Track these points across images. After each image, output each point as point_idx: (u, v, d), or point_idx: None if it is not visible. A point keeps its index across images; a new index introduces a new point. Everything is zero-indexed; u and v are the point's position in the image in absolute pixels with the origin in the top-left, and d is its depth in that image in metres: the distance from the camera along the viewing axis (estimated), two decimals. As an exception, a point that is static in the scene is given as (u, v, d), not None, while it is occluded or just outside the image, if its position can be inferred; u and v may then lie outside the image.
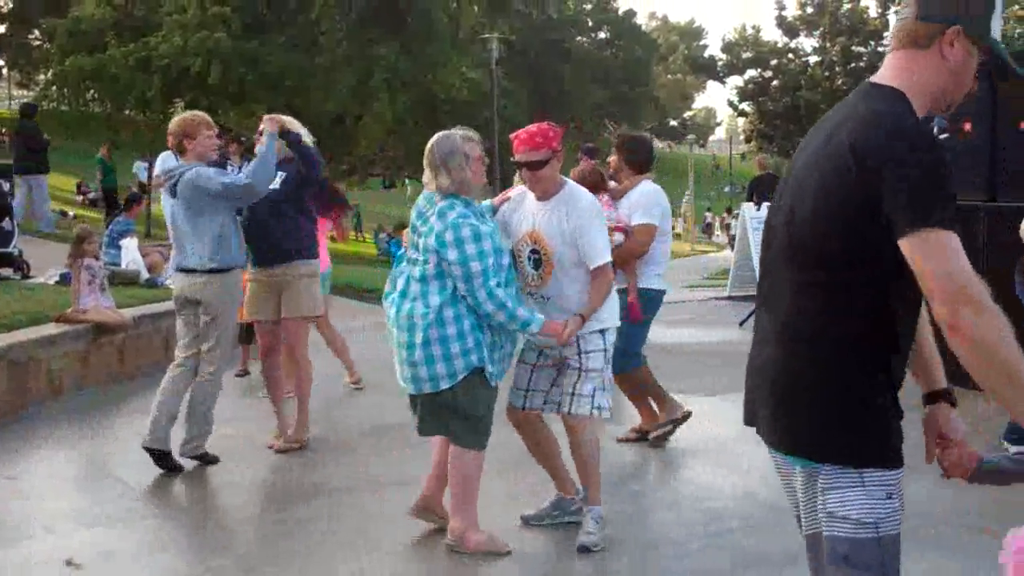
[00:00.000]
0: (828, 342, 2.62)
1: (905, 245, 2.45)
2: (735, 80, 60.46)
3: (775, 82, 55.31)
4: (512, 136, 5.37)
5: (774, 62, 56.17)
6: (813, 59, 55.28)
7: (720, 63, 64.49)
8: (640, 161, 7.36)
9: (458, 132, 5.31)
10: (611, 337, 5.51)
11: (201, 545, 5.62)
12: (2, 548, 5.46)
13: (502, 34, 32.95)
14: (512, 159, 5.36)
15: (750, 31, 62.39)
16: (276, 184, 7.06)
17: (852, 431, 2.61)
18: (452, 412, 5.15)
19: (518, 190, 5.57)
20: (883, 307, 2.59)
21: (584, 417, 5.39)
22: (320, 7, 27.67)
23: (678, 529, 5.70)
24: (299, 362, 7.57)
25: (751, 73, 58.27)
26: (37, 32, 51.65)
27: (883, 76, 2.74)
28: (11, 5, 53.44)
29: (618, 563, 5.25)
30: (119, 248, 12.78)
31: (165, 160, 8.62)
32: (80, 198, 31.53)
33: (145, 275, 12.44)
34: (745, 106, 56.13)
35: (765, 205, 16.55)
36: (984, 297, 2.40)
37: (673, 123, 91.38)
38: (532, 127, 5.35)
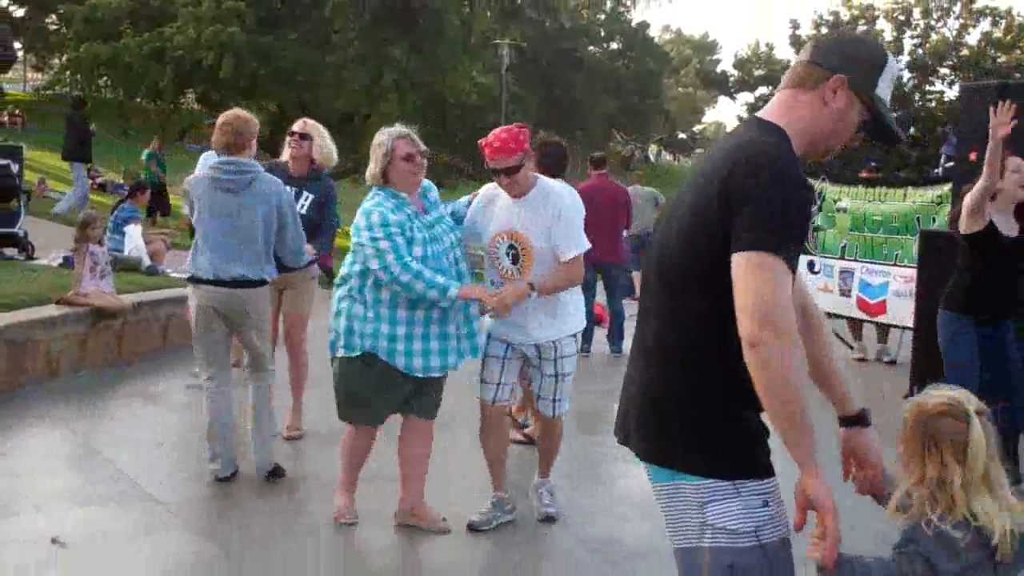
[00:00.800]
0: (697, 363, 2.70)
1: (734, 260, 2.55)
2: (746, 96, 60.47)
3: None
4: (481, 143, 5.49)
5: (785, 80, 56.18)
6: (825, 80, 55.26)
7: (732, 79, 64.56)
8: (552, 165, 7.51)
9: (394, 128, 5.56)
10: (579, 343, 5.93)
11: (189, 529, 5.69)
12: (-9, 522, 5.55)
13: (513, 40, 33.04)
14: (486, 165, 5.49)
15: (763, 48, 62.30)
16: (304, 209, 7.23)
17: (725, 448, 2.69)
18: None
19: (486, 189, 5.77)
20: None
21: (564, 414, 5.94)
22: (334, 5, 27.76)
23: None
24: (299, 355, 7.71)
25: (762, 90, 58.22)
26: (54, 17, 51.87)
27: (768, 112, 2.86)
28: (29, -11, 53.68)
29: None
30: (123, 234, 12.87)
31: (208, 159, 8.76)
32: (90, 182, 31.58)
33: (147, 262, 12.53)
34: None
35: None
36: (789, 327, 2.49)
37: (682, 136, 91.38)
38: (500, 132, 5.49)
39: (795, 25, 55.83)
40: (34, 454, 6.97)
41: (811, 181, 12.37)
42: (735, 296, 2.54)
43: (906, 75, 54.61)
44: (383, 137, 5.51)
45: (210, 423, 6.43)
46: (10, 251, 13.62)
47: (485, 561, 5.50)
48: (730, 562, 2.66)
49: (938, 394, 2.84)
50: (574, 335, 5.78)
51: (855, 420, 2.97)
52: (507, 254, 5.55)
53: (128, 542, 5.46)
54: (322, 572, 5.23)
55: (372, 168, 5.50)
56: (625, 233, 12.06)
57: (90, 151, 21.30)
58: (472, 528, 5.76)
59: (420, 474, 5.81)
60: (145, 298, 10.50)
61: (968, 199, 6.71)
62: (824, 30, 55.62)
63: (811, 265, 12.20)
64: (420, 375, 5.46)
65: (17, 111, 33.41)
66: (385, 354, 5.41)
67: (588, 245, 5.59)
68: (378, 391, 5.53)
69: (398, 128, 5.58)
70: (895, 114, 2.90)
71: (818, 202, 12.16)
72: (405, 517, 5.79)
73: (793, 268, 2.58)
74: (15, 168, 15.44)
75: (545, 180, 5.64)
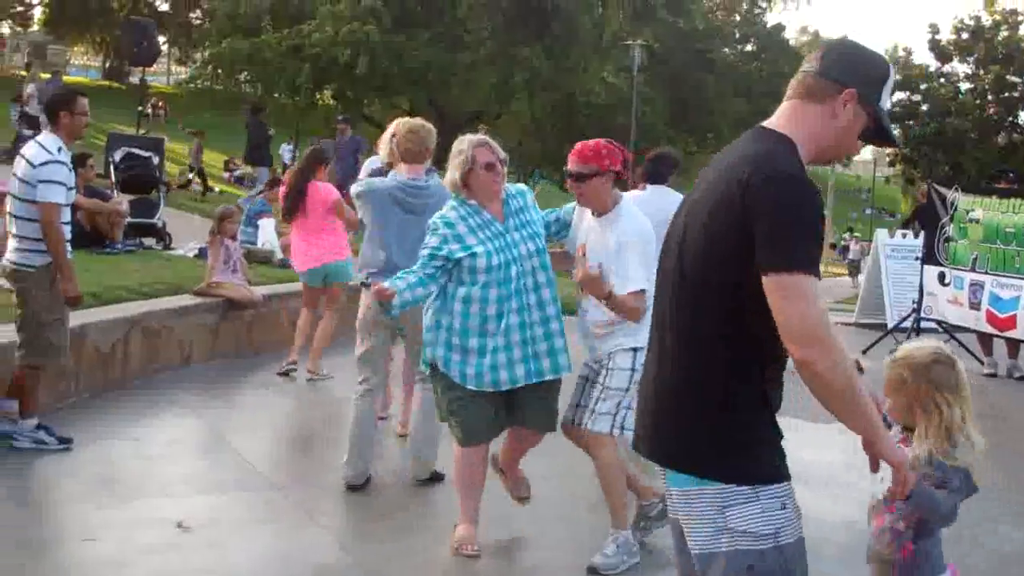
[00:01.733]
0: (717, 372, 2.76)
1: (766, 284, 2.63)
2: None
3: (924, 106, 53.91)
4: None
5: (924, 86, 54.71)
6: (964, 86, 53.67)
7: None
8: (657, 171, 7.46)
9: (474, 136, 5.51)
10: (641, 358, 5.03)
11: (304, 519, 5.84)
12: (121, 504, 5.79)
13: (645, 42, 32.86)
14: (565, 168, 5.42)
15: (901, 53, 60.77)
16: None
17: (745, 454, 2.77)
18: None
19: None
20: (766, 339, 2.70)
21: (602, 435, 5.23)
22: (468, 6, 28.04)
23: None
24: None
25: (899, 96, 56.87)
26: (198, 12, 53.47)
27: (774, 123, 2.91)
28: (175, -16, 55.40)
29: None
30: (256, 227, 13.21)
31: (372, 163, 9.08)
32: (227, 175, 32.48)
33: (279, 255, 12.84)
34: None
35: (908, 234, 16.29)
36: (831, 338, 2.61)
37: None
38: (591, 142, 5.33)
39: (935, 30, 54.32)
40: (164, 440, 7.23)
41: (944, 191, 12.10)
42: (776, 319, 2.62)
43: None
44: (463, 145, 5.41)
45: (352, 427, 6.35)
46: (148, 241, 14.12)
47: None
48: (750, 564, 2.74)
49: (922, 346, 3.36)
50: (634, 349, 5.19)
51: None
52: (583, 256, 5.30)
53: (249, 529, 5.64)
54: (439, 572, 5.30)
55: (451, 175, 5.40)
56: None
57: (269, 154, 22.65)
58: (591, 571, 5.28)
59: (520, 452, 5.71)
60: (274, 291, 10.78)
61: None
62: (965, 35, 54.06)
63: (942, 276, 11.93)
64: (472, 387, 5.29)
65: (160, 102, 34.51)
66: (442, 364, 5.35)
67: (643, 285, 5.00)
68: (460, 404, 5.37)
69: (478, 136, 5.54)
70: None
71: (950, 212, 11.89)
72: (495, 467, 5.72)
73: (819, 275, 2.69)
74: (156, 160, 16.03)
75: (626, 207, 5.29)
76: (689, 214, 2.89)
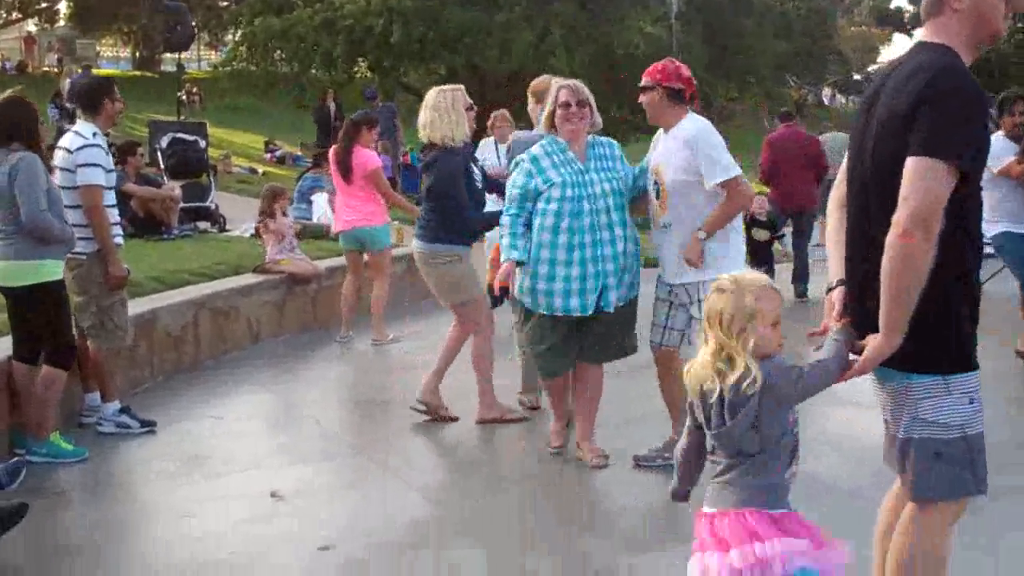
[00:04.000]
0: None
1: (909, 163, 2.91)
2: (922, 32, 58.24)
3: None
4: None
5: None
6: (1003, 7, 52.68)
7: (908, 15, 62.18)
8: None
9: (563, 79, 5.98)
10: (705, 291, 5.39)
11: (392, 480, 5.90)
12: (213, 480, 5.87)
13: (682, -13, 32.53)
14: None
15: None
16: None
17: (947, 347, 3.07)
18: None
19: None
20: (959, 229, 2.99)
21: (671, 350, 5.72)
22: (500, -35, 27.82)
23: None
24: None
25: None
26: (226, -7, 53.45)
27: (928, 35, 3.19)
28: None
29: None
30: (310, 203, 13.24)
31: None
32: (268, 155, 32.58)
33: (335, 229, 12.85)
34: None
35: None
36: (935, 233, 2.87)
37: (856, 77, 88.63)
38: (659, 62, 5.70)
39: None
40: (244, 416, 7.31)
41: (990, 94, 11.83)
42: (901, 188, 2.90)
43: None
44: (551, 86, 5.90)
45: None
46: (203, 224, 14.21)
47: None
48: (938, 450, 3.08)
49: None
50: (701, 282, 5.36)
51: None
52: (654, 189, 5.64)
53: (339, 494, 5.71)
54: (525, 521, 5.30)
55: (544, 114, 5.84)
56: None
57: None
58: (636, 462, 5.86)
59: (587, 413, 6.00)
60: (336, 263, 10.81)
61: None
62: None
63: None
64: (544, 311, 5.68)
65: (195, 89, 34.53)
66: (520, 290, 5.74)
67: (737, 171, 5.45)
68: (536, 334, 5.86)
69: (567, 80, 5.88)
70: None
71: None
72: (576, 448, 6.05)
73: (969, 175, 2.95)
74: (203, 144, 16.12)
75: (692, 117, 5.60)
76: (874, 131, 3.12)
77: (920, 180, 2.87)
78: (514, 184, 5.77)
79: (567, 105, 5.67)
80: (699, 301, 5.38)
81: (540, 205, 5.66)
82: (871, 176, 3.14)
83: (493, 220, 6.51)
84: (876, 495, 3.60)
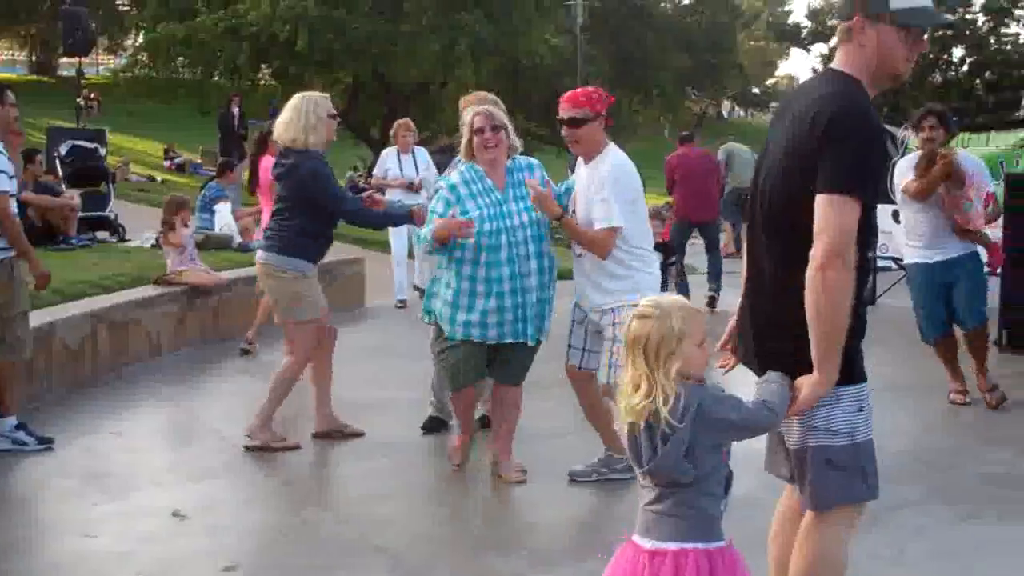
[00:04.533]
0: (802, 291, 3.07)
1: (820, 199, 3.01)
2: (820, 48, 59.45)
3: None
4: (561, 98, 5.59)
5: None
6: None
7: (805, 30, 63.41)
8: None
9: (482, 105, 5.83)
10: (622, 315, 5.09)
11: (296, 497, 5.87)
12: (113, 500, 5.73)
13: (586, 0, 32.83)
14: (557, 118, 5.58)
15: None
16: None
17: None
18: None
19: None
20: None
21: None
22: (407, -26, 27.76)
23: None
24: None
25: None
26: (126, -1, 52.45)
27: (836, 63, 3.27)
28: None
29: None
30: (212, 212, 13.07)
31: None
32: (167, 163, 32.10)
33: (238, 239, 12.72)
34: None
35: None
36: (851, 262, 3.00)
37: (755, 91, 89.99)
38: (580, 90, 5.62)
39: (871, -28, 54.51)
40: (146, 431, 7.19)
41: (893, 130, 12.19)
42: (815, 224, 3.00)
43: (981, 19, 53.24)
44: (468, 111, 5.75)
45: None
46: (102, 234, 13.94)
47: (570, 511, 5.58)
48: (829, 457, 3.19)
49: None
50: (615, 308, 5.39)
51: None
52: (573, 216, 5.63)
53: (244, 510, 5.64)
54: (434, 537, 5.31)
55: (463, 140, 5.76)
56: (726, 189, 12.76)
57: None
58: (571, 477, 5.88)
59: (505, 433, 5.99)
60: (239, 274, 10.67)
61: None
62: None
63: (895, 215, 12.06)
64: (460, 336, 5.69)
65: (92, 94, 33.88)
66: (437, 316, 5.77)
67: (620, 224, 5.33)
68: (448, 349, 5.83)
69: (484, 105, 5.81)
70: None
71: (900, 150, 12.00)
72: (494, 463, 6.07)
73: (869, 206, 3.06)
74: (101, 151, 15.81)
75: (613, 152, 5.53)
76: (764, 159, 3.30)
77: (833, 215, 2.98)
78: (433, 211, 5.72)
79: (481, 131, 5.61)
80: (617, 324, 5.28)
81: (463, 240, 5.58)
82: (766, 214, 3.25)
83: (396, 216, 6.91)
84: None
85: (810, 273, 3.00)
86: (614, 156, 5.50)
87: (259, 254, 6.76)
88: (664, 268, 11.96)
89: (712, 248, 12.69)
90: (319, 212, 6.50)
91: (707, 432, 3.00)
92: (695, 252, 13.75)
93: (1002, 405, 7.41)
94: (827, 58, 56.27)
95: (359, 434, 6.78)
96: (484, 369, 5.87)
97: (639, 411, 2.99)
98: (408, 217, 6.81)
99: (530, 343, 5.72)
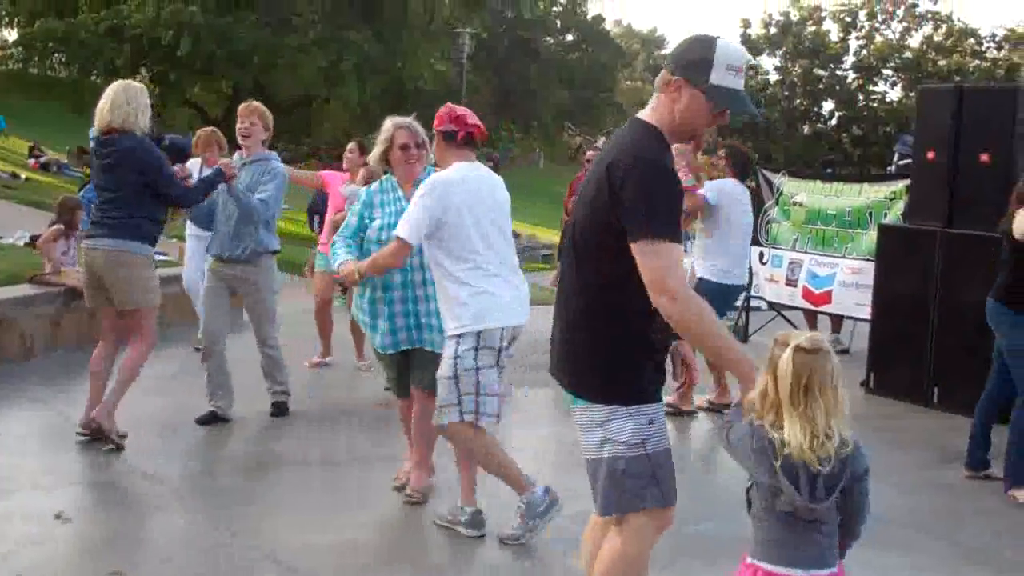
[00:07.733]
0: (600, 320, 3.47)
1: (633, 249, 3.30)
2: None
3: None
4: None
5: (735, 79, 56.46)
6: (774, 78, 55.86)
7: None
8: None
9: (399, 118, 5.82)
10: (466, 344, 5.11)
11: (178, 500, 5.83)
12: (-10, 499, 5.63)
13: (475, 30, 33.06)
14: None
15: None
16: None
17: (621, 382, 3.48)
18: None
19: None
20: (636, 296, 3.33)
21: (455, 424, 5.19)
22: (297, -12, 27.67)
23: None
24: None
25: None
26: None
27: (644, 113, 3.57)
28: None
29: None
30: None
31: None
32: (32, 161, 31.17)
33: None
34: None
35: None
36: (681, 289, 3.27)
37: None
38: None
39: (746, 24, 56.20)
40: (20, 433, 7.05)
41: (771, 175, 12.65)
42: (642, 274, 3.28)
43: (851, 76, 55.28)
44: (387, 124, 5.80)
45: None
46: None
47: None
48: (623, 467, 3.47)
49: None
50: (457, 336, 5.13)
51: None
52: None
53: (115, 515, 5.59)
54: (315, 540, 5.33)
55: (375, 151, 5.81)
56: None
57: None
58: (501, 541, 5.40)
59: (417, 439, 5.92)
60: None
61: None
62: (774, 30, 56.15)
63: (761, 256, 12.48)
64: (377, 348, 5.86)
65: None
66: (363, 326, 5.96)
67: (402, 234, 5.06)
68: (384, 362, 6.03)
69: (402, 118, 5.82)
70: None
71: (775, 195, 12.45)
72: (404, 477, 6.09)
73: (678, 239, 3.32)
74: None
75: (441, 171, 5.35)
76: (581, 195, 3.57)
77: (653, 260, 3.26)
78: (352, 212, 5.94)
79: (406, 147, 5.67)
80: (456, 357, 5.11)
81: (366, 244, 5.76)
82: (572, 244, 3.57)
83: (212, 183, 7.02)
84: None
85: (670, 316, 3.29)
86: (447, 170, 5.27)
87: (95, 242, 6.65)
88: None
89: None
90: (159, 196, 6.72)
91: (859, 472, 3.21)
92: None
93: None
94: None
95: (120, 446, 6.67)
96: (405, 380, 5.92)
97: (823, 451, 3.10)
98: (220, 174, 7.08)
99: (435, 350, 5.54)
